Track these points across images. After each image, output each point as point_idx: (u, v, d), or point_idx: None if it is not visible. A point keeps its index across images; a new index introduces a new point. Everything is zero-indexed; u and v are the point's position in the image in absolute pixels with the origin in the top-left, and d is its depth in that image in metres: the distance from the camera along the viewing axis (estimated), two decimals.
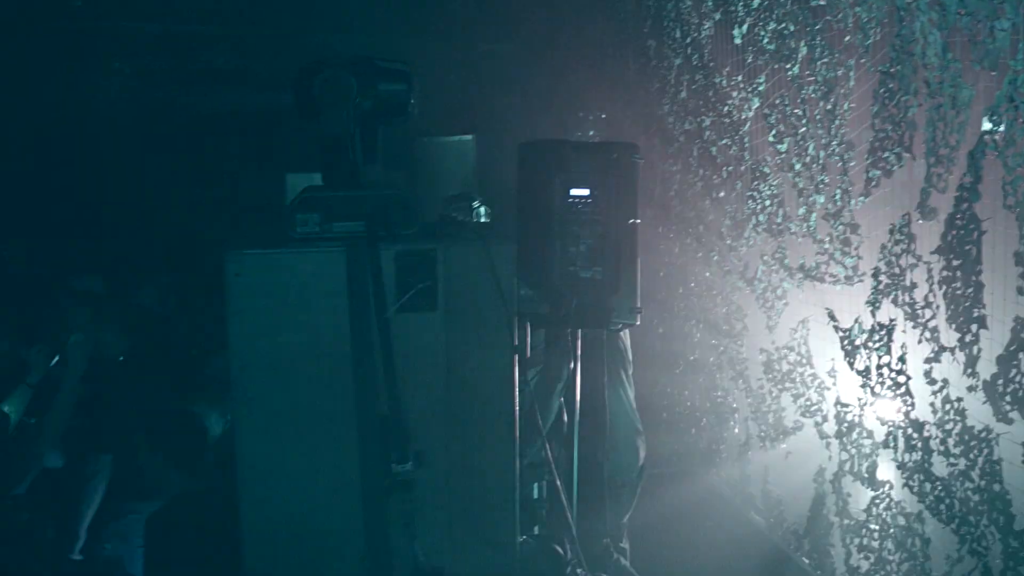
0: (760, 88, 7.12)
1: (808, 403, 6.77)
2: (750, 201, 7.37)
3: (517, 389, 5.01)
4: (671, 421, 8.61)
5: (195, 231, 8.52)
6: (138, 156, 8.73)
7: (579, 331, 5.79)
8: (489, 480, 5.03)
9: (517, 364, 4.98)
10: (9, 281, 7.98)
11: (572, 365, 5.82)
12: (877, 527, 5.91)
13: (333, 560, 4.91)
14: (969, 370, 4.89)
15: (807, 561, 6.94)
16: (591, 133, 9.11)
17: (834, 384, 6.40)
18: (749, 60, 7.24)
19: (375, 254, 4.72)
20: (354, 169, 4.99)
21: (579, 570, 5.64)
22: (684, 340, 8.55)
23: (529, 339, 5.15)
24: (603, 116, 8.96)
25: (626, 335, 6.42)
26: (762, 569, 7.25)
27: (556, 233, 5.53)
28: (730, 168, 7.68)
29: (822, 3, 6.05)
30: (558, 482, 5.44)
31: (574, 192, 5.55)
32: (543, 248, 5.49)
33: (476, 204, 6.71)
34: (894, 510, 5.76)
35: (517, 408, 5.02)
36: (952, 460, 5.10)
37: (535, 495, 5.86)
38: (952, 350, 5.01)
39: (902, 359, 5.51)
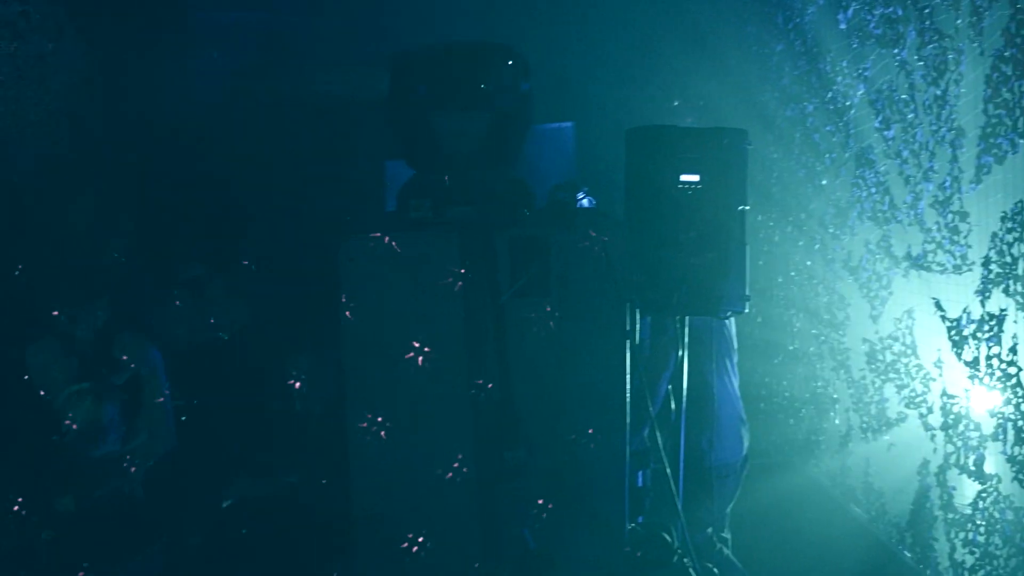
0: (866, 74, 6.99)
1: (912, 394, 6.65)
2: (855, 189, 7.25)
3: (628, 376, 4.98)
4: (768, 411, 8.52)
5: (291, 218, 8.60)
6: (235, 145, 8.80)
7: (687, 318, 5.74)
8: (599, 467, 5.02)
9: (629, 351, 4.96)
10: (115, 274, 8.10)
11: (680, 352, 5.77)
12: (984, 521, 5.79)
13: (444, 546, 4.93)
14: None
15: (909, 555, 6.83)
16: (688, 120, 9.03)
17: (940, 375, 6.27)
18: (855, 45, 7.11)
19: (489, 239, 4.72)
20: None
21: (686, 559, 5.60)
22: (783, 329, 8.45)
23: (638, 326, 5.11)
24: (701, 103, 8.87)
25: (731, 323, 6.34)
26: (863, 563, 7.14)
27: (666, 219, 5.48)
28: (833, 155, 7.57)
29: None
30: (668, 469, 5.40)
31: (684, 178, 5.49)
32: (652, 234, 5.44)
33: (581, 194, 6.68)
34: (1002, 504, 5.63)
35: (628, 395, 5.00)
36: None
37: (639, 483, 5.82)
38: None
39: (1013, 350, 5.39)
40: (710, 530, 6.33)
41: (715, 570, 5.90)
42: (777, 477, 8.07)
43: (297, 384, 6.34)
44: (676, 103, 8.50)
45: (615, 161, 8.18)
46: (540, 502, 4.89)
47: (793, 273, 8.28)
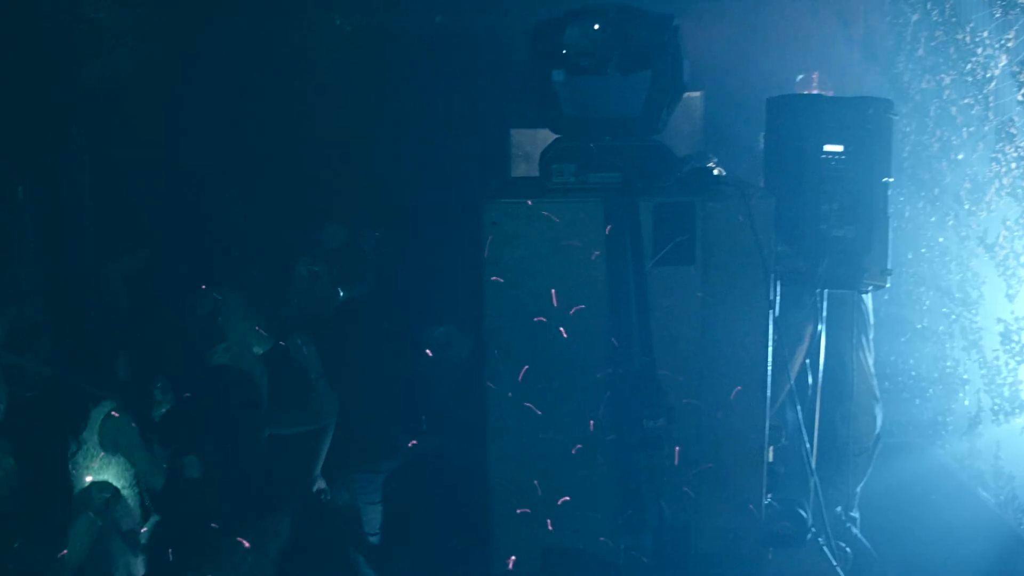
0: (1009, 44, 6.76)
1: None
2: (993, 163, 7.03)
3: (770, 348, 4.89)
4: (892, 390, 8.31)
5: (415, 185, 8.61)
6: (358, 113, 8.82)
7: (826, 291, 5.63)
8: (738, 439, 4.94)
9: (771, 322, 4.86)
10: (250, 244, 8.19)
11: (818, 327, 5.66)
12: None
13: (580, 515, 4.89)
14: None
15: None
16: (813, 89, 8.82)
17: None
18: (998, 15, 6.88)
19: (633, 206, 4.66)
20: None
21: (820, 538, 5.50)
22: (912, 306, 8.24)
23: (778, 298, 5.01)
24: (833, 74, 8.65)
25: (869, 298, 6.20)
26: (991, 548, 6.94)
27: (808, 190, 5.37)
28: (971, 128, 7.34)
29: None
30: (808, 445, 5.31)
31: (827, 148, 5.37)
32: (794, 205, 5.33)
33: (712, 164, 6.56)
34: None
35: (770, 367, 4.90)
36: None
37: (770, 459, 5.73)
38: None
39: None
40: (839, 509, 6.22)
41: (847, 549, 5.79)
42: (901, 458, 7.87)
43: (430, 352, 6.34)
44: (799, 78, 8.29)
45: (741, 132, 8.07)
46: (677, 472, 4.82)
47: (924, 250, 8.06)
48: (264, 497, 4.75)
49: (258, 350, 6.20)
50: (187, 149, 8.74)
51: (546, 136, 7.44)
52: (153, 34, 9.01)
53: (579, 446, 4.84)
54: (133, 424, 5.34)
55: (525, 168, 7.95)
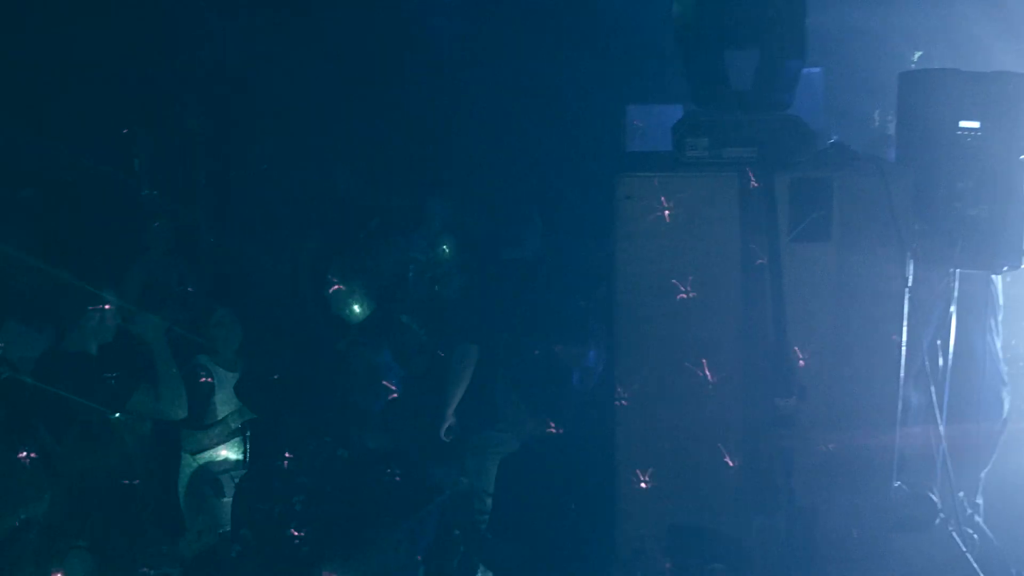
0: None
1: None
2: None
3: (905, 328, 4.79)
4: (1014, 375, 8.09)
5: (524, 159, 8.56)
6: (472, 88, 8.81)
7: (957, 271, 5.49)
8: (869, 419, 4.84)
9: (907, 301, 4.76)
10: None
11: (949, 307, 5.54)
12: None
13: (711, 495, 4.84)
14: None
15: None
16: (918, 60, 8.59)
17: None
18: None
19: (769, 181, 4.59)
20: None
21: (949, 524, 5.39)
22: None
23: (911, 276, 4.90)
24: (960, 49, 8.42)
25: (997, 280, 6.05)
26: None
27: (942, 167, 5.24)
28: None
29: None
30: (941, 428, 5.20)
31: (963, 124, 5.23)
32: (928, 182, 5.20)
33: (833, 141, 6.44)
34: None
35: (904, 348, 4.80)
36: None
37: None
38: None
39: None
40: (962, 494, 6.09)
41: (975, 536, 5.67)
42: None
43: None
44: (918, 54, 8.10)
45: (860, 108, 7.92)
46: (806, 452, 4.74)
47: None
48: (423, 487, 4.72)
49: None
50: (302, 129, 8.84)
51: (660, 111, 7.39)
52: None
53: (710, 422, 4.77)
54: None
55: (640, 143, 7.91)
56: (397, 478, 3.31)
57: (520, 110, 8.82)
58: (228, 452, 6.13)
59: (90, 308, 5.98)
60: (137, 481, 4.40)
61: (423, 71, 9.05)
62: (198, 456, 6.09)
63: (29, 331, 6.31)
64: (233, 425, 6.07)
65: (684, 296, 4.66)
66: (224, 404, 6.12)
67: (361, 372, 5.48)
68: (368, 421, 5.18)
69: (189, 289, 7.82)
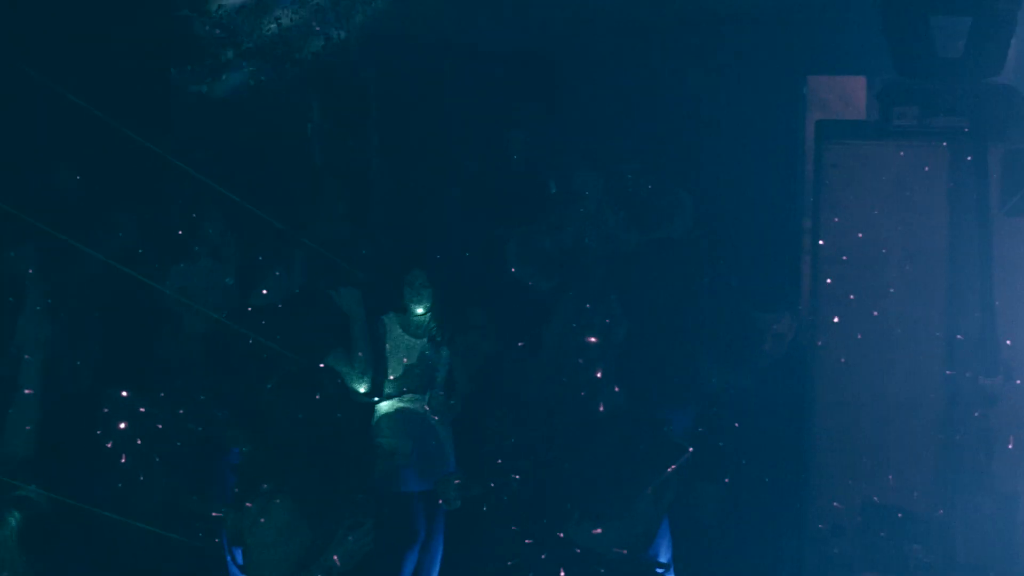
0: None
1: None
2: None
3: None
4: None
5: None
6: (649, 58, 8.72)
7: None
8: None
9: None
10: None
11: None
12: None
13: (906, 473, 4.73)
14: None
15: None
16: None
17: None
18: None
19: (982, 152, 4.44)
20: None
21: None
22: None
23: None
24: None
25: None
26: None
27: None
28: None
29: None
30: None
31: None
32: None
33: None
34: None
35: None
36: None
37: None
38: None
39: None
40: None
41: None
42: None
43: None
44: None
45: None
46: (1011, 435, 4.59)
47: None
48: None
49: None
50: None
51: (843, 82, 7.20)
52: None
53: (905, 399, 4.66)
54: None
55: (820, 116, 7.72)
56: (645, 437, 3.30)
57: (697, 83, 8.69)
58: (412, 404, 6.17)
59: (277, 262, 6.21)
60: (335, 429, 4.44)
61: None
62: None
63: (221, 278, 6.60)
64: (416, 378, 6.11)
65: (888, 266, 4.54)
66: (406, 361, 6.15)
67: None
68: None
69: (363, 252, 7.92)
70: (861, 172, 4.54)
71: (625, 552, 3.20)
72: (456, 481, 5.53)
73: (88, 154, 7.59)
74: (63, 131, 7.81)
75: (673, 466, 3.22)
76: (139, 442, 5.12)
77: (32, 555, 3.50)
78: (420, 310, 6.17)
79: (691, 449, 3.24)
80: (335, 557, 4.11)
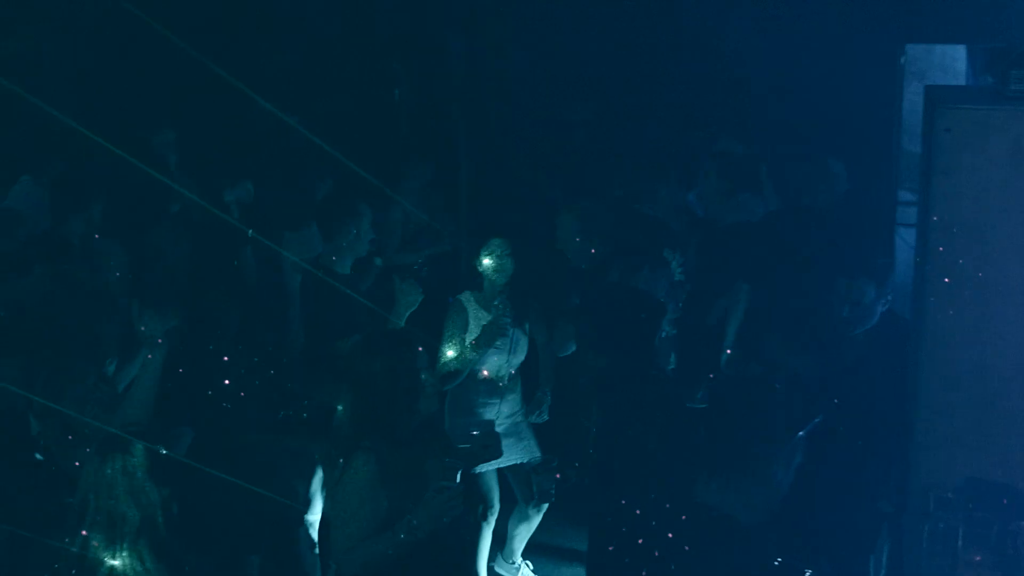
0: None
1: None
2: None
3: None
4: None
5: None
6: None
7: None
8: None
9: None
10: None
11: None
12: None
13: (1013, 448, 4.60)
14: None
15: None
16: None
17: None
18: None
19: None
20: None
21: None
22: None
23: None
24: None
25: None
26: None
27: None
28: None
29: None
30: None
31: None
32: None
33: None
34: None
35: None
36: None
37: None
38: None
39: None
40: None
41: None
42: None
43: None
44: None
45: None
46: None
47: None
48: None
49: None
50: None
51: (943, 51, 7.02)
52: None
53: (1015, 371, 4.52)
54: None
55: (917, 86, 7.55)
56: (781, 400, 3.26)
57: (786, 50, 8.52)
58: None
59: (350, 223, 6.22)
60: (419, 390, 4.43)
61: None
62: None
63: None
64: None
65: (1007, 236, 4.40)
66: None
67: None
68: None
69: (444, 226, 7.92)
70: (975, 137, 4.39)
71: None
72: (555, 467, 5.53)
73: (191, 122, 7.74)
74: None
75: (803, 431, 3.16)
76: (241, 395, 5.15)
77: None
78: (502, 281, 6.10)
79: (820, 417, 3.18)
80: (419, 519, 4.11)
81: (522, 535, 6.55)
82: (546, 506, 6.33)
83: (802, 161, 6.61)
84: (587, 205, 7.02)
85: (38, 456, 5.66)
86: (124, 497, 3.21)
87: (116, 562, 3.18)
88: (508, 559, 6.63)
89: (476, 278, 6.14)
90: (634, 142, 8.34)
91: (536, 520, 6.47)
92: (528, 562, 6.72)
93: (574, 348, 6.36)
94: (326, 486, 4.25)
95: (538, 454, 6.28)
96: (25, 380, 4.59)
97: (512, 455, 6.15)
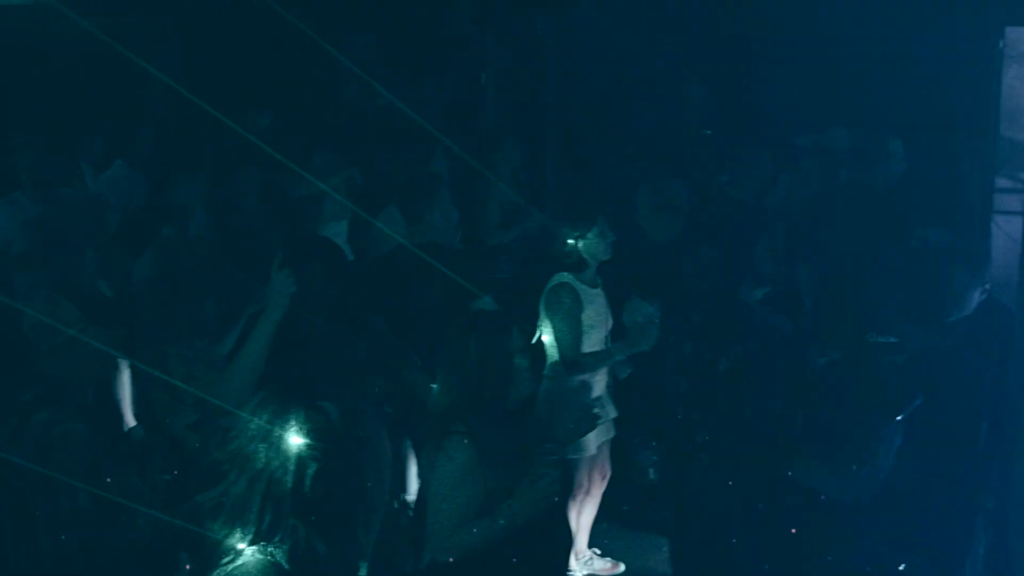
0: None
1: None
2: None
3: None
4: None
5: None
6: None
7: None
8: None
9: None
10: None
11: None
12: None
13: None
14: None
15: None
16: None
17: None
18: None
19: None
20: None
21: None
22: None
23: None
24: None
25: None
26: None
27: None
28: None
29: None
30: None
31: None
32: None
33: None
34: None
35: None
36: None
37: None
38: None
39: None
40: None
41: None
42: None
43: None
44: None
45: None
46: None
47: None
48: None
49: None
50: None
51: None
52: None
53: None
54: None
55: (1017, 70, 7.37)
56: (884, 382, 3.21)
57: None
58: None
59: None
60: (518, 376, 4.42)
61: None
62: None
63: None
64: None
65: None
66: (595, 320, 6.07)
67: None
68: None
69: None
70: None
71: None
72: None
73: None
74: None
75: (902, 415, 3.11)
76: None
77: None
78: (604, 259, 6.08)
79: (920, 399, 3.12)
80: (518, 505, 4.10)
81: (585, 526, 6.49)
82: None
83: (861, 140, 6.55)
84: (667, 181, 7.03)
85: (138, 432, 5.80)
86: (263, 475, 3.21)
87: (246, 538, 3.19)
88: (579, 557, 6.53)
89: (568, 258, 6.09)
90: (731, 125, 8.28)
91: (596, 505, 6.46)
92: (596, 549, 6.66)
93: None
94: (421, 470, 4.25)
95: (614, 432, 6.31)
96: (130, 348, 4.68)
97: (602, 435, 6.12)
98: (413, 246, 5.85)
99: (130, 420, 6.30)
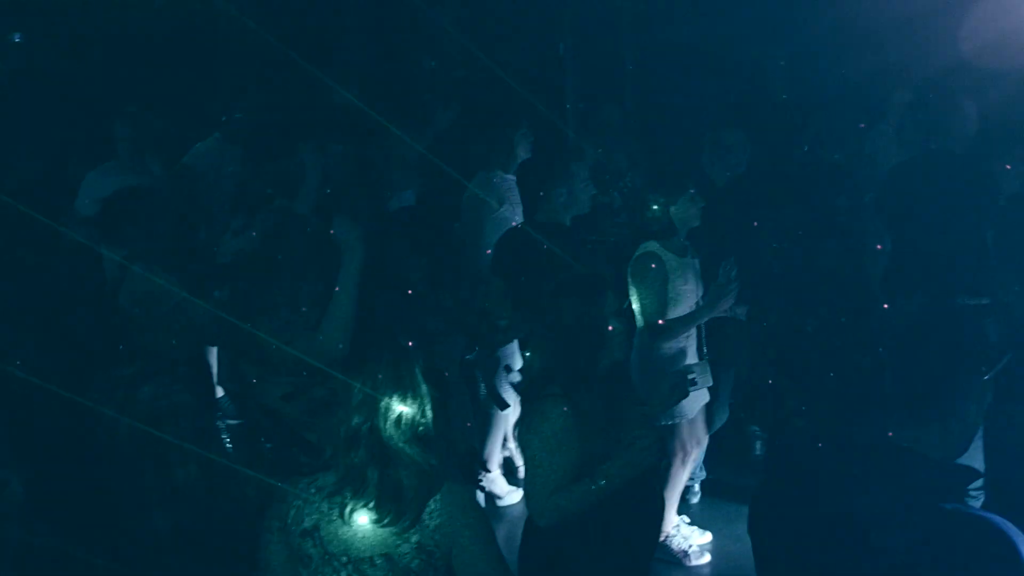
0: None
1: None
2: None
3: None
4: None
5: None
6: None
7: None
8: None
9: None
10: None
11: None
12: None
13: None
14: None
15: None
16: None
17: None
18: None
19: None
20: None
21: None
22: None
23: None
24: None
25: None
26: None
27: None
28: None
29: None
30: None
31: None
32: None
33: None
34: None
35: None
36: None
37: None
38: None
39: None
40: None
41: None
42: None
43: None
44: None
45: None
46: None
47: None
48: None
49: None
50: None
51: None
52: None
53: None
54: None
55: None
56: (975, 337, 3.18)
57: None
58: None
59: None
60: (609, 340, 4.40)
61: None
62: None
63: None
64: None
65: None
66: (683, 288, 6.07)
67: None
68: None
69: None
70: None
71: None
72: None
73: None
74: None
75: (990, 373, 3.05)
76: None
77: None
78: (693, 225, 6.07)
79: (1009, 356, 3.06)
80: (615, 467, 4.10)
81: (674, 496, 6.41)
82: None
83: (933, 102, 6.44)
84: (729, 129, 7.28)
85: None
86: (366, 453, 3.25)
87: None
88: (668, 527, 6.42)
89: (656, 224, 6.08)
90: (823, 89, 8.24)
91: (688, 472, 6.42)
92: (685, 517, 6.61)
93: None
94: (518, 433, 4.26)
95: (709, 399, 6.29)
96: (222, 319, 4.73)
97: (698, 401, 6.12)
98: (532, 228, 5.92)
99: (218, 391, 6.39)
